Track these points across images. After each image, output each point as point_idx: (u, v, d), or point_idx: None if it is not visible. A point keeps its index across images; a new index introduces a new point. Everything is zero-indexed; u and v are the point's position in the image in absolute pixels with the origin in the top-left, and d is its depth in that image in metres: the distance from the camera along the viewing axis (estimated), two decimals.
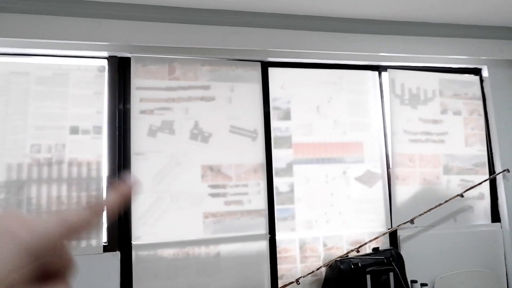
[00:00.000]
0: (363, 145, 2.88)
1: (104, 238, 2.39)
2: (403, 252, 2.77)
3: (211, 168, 2.59)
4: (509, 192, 2.99)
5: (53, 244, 0.35)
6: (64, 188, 2.36)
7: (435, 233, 2.88)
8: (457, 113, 3.07)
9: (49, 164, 2.36)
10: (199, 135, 2.60)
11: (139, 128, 2.51)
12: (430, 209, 2.78)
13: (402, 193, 2.88)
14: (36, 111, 2.40)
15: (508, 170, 2.99)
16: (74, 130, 2.43)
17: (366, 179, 2.86)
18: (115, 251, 2.37)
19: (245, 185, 2.63)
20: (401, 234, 2.82)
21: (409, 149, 2.94)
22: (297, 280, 2.48)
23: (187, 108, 2.60)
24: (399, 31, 2.87)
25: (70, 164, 2.39)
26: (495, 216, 3.03)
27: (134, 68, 2.55)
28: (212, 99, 2.65)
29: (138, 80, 2.54)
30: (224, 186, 2.60)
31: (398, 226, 2.77)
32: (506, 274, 2.95)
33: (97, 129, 2.46)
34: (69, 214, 0.37)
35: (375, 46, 2.85)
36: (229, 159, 2.63)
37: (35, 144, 2.36)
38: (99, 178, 2.41)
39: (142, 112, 2.53)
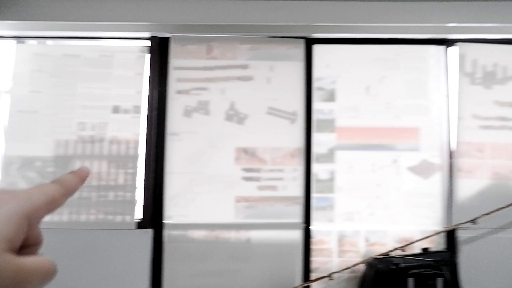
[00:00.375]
0: (419, 131, 2.53)
1: (138, 214, 2.47)
2: (463, 256, 2.40)
3: (245, 150, 2.50)
4: None
5: (39, 216, 0.39)
6: (104, 164, 2.47)
7: (505, 237, 2.43)
8: None
9: (92, 141, 2.49)
10: (234, 116, 2.51)
11: (175, 108, 2.51)
12: (500, 208, 2.35)
13: (466, 188, 2.48)
14: (83, 91, 2.53)
15: None
16: (116, 110, 2.52)
17: (421, 169, 2.51)
18: (147, 228, 2.43)
19: (281, 170, 2.49)
20: (461, 235, 2.44)
21: (478, 137, 2.50)
22: (330, 275, 2.30)
23: (224, 88, 2.53)
24: None
25: (111, 142, 2.49)
26: None
27: (173, 48, 2.54)
28: (250, 79, 2.54)
29: (176, 60, 2.53)
30: (258, 170, 2.49)
31: (457, 225, 2.39)
32: None
33: (137, 109, 2.52)
34: (42, 191, 0.40)
35: (442, 15, 2.44)
36: (265, 142, 2.50)
37: (81, 122, 2.50)
38: (135, 156, 2.47)
39: (179, 92, 2.52)
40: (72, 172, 0.47)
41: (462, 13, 2.44)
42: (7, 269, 0.33)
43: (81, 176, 0.47)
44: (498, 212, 2.35)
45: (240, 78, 2.54)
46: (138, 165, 2.47)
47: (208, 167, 2.48)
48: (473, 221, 2.32)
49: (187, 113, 2.51)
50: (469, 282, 2.34)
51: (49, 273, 0.37)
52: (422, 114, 2.53)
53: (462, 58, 2.53)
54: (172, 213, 2.47)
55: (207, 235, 2.46)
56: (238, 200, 2.48)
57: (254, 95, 2.53)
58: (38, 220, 0.39)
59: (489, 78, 2.53)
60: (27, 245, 0.38)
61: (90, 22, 2.44)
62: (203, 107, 2.51)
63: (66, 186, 0.44)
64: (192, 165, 2.49)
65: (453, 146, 2.51)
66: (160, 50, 2.56)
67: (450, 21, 2.44)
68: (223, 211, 2.47)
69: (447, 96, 2.55)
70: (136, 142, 2.49)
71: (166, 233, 2.46)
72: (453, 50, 2.56)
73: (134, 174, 2.46)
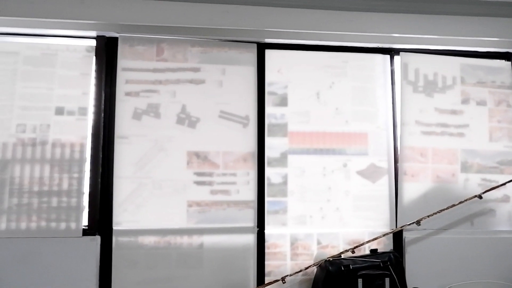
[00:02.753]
0: (367, 136, 2.62)
1: (84, 221, 2.34)
2: (408, 256, 2.50)
3: (197, 154, 2.46)
4: None
5: None
6: (47, 168, 2.33)
7: (447, 237, 2.57)
8: (481, 103, 2.71)
9: (33, 144, 2.34)
10: (186, 119, 2.47)
11: (124, 110, 2.42)
12: (442, 210, 2.48)
13: (411, 191, 2.59)
14: (23, 91, 2.38)
15: None
16: (60, 111, 2.39)
17: (369, 173, 2.60)
18: (95, 235, 2.32)
19: (234, 174, 2.48)
20: (407, 236, 2.54)
21: (421, 142, 2.63)
22: (283, 279, 2.30)
23: (175, 91, 2.48)
24: (415, 8, 2.56)
25: (53, 145, 2.35)
26: None
27: (121, 48, 2.45)
28: (201, 82, 2.51)
29: (125, 61, 2.45)
30: (210, 174, 2.46)
31: (402, 227, 2.49)
32: None
33: (83, 111, 2.40)
34: None
35: (387, 26, 2.56)
36: (217, 146, 2.48)
37: (21, 124, 2.35)
38: (82, 160, 2.35)
39: (128, 94, 2.44)
40: None
41: (406, 25, 2.57)
42: None
43: None
44: (442, 214, 2.47)
45: (192, 81, 2.50)
46: (84, 170, 2.35)
47: (158, 171, 2.41)
48: (417, 222, 2.42)
49: (137, 115, 2.43)
50: (414, 279, 2.44)
51: None
52: (369, 120, 2.63)
53: (405, 67, 2.66)
54: (121, 219, 2.37)
55: (158, 241, 2.38)
56: (190, 204, 2.43)
57: (206, 98, 2.50)
58: None
59: (430, 87, 2.67)
60: None
61: (31, 18, 2.30)
62: (153, 110, 2.45)
63: None
64: (142, 169, 2.41)
65: (398, 151, 2.62)
66: (107, 50, 2.47)
67: (395, 31, 2.56)
68: (174, 216, 2.41)
69: (392, 103, 2.66)
70: (82, 146, 2.37)
71: (115, 240, 2.35)
72: (398, 59, 2.68)
73: (79, 179, 2.34)
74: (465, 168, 2.65)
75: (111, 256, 2.34)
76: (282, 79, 2.59)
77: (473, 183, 2.65)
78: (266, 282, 2.40)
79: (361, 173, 2.59)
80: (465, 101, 2.69)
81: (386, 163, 2.61)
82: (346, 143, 2.59)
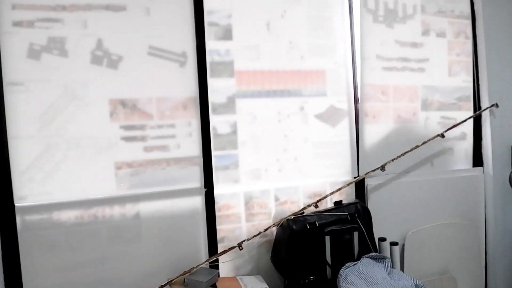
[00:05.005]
0: (325, 73, 2.28)
1: None
2: (371, 205, 2.29)
3: (123, 103, 1.93)
4: (496, 131, 2.52)
5: None
6: None
7: (408, 180, 2.40)
8: (441, 35, 2.49)
9: None
10: (104, 58, 1.90)
11: (14, 47, 1.78)
12: (406, 152, 2.28)
13: (372, 134, 2.35)
14: None
15: (497, 105, 2.50)
16: None
17: (328, 116, 2.29)
18: None
19: (172, 126, 2.01)
20: (369, 183, 2.32)
21: (382, 79, 2.36)
22: (239, 245, 1.95)
23: (85, 20, 1.87)
24: None
25: None
26: (478, 160, 2.58)
27: None
28: (122, 9, 1.93)
29: None
30: (142, 127, 1.96)
31: (366, 174, 2.26)
32: (485, 224, 2.56)
33: None
34: None
35: None
36: (149, 91, 1.97)
37: None
38: None
39: (17, 24, 1.78)
40: None
41: None
42: None
43: None
44: (404, 156, 2.27)
45: (108, 8, 1.91)
46: None
47: (72, 127, 1.85)
48: (382, 167, 2.20)
49: (34, 54, 1.80)
50: (379, 229, 2.25)
51: None
52: (327, 55, 2.28)
53: None
54: (26, 192, 1.81)
55: (80, 215, 1.87)
56: (119, 166, 1.93)
57: (129, 30, 1.94)
58: None
59: (391, 16, 2.37)
60: None
61: None
62: (57, 46, 1.83)
63: None
64: (49, 125, 1.83)
65: (359, 89, 2.32)
66: None
67: None
68: (100, 182, 1.90)
69: (351, 35, 2.33)
70: None
71: (20, 220, 1.80)
72: None
73: None
74: (425, 106, 2.46)
75: (17, 241, 1.79)
76: (225, 7, 2.10)
77: (433, 121, 2.48)
78: (219, 250, 2.04)
79: (319, 116, 2.27)
80: (425, 32, 2.45)
81: (346, 104, 2.32)
82: (302, 83, 2.23)
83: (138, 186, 1.96)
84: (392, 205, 2.36)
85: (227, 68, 2.10)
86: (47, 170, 1.83)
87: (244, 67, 2.13)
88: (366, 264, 1.95)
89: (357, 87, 2.33)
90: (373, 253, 2.03)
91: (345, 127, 2.31)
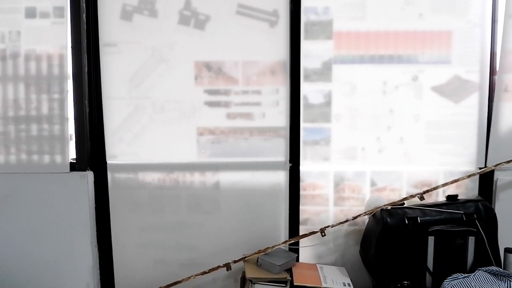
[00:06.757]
0: (451, 35, 1.81)
1: (72, 153, 1.87)
2: (499, 205, 1.80)
3: (208, 66, 1.83)
4: None
5: None
6: (21, 88, 1.84)
7: None
8: None
9: (3, 58, 1.84)
10: (191, 18, 1.81)
11: (109, 7, 1.81)
12: None
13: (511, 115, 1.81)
14: None
15: None
16: (31, 13, 1.83)
17: (451, 90, 1.83)
18: (85, 170, 1.85)
19: (257, 92, 1.84)
20: (499, 177, 1.81)
21: None
22: (322, 230, 1.72)
23: None
24: None
25: (27, 57, 1.83)
26: None
27: None
28: None
29: None
30: (226, 93, 1.84)
31: (496, 165, 1.76)
32: None
33: (58, 11, 1.82)
34: None
35: None
36: (235, 54, 1.82)
37: None
38: (62, 77, 1.82)
39: None
40: None
41: None
42: None
43: None
44: None
45: None
46: (66, 89, 1.83)
47: (159, 90, 1.84)
48: None
49: (126, 15, 1.81)
50: (506, 238, 1.75)
51: None
52: (456, 12, 1.80)
53: None
54: (117, 151, 1.88)
55: (163, 178, 1.88)
56: (201, 132, 1.86)
57: None
58: None
59: None
60: None
61: None
62: (147, 7, 1.81)
63: None
64: (138, 87, 1.84)
65: (497, 57, 1.79)
66: None
67: None
68: (182, 147, 1.87)
69: None
70: (61, 57, 1.82)
71: (110, 177, 1.89)
72: None
73: (61, 101, 1.83)
74: None
75: (107, 196, 1.89)
76: None
77: None
78: (301, 233, 1.84)
79: (438, 89, 1.83)
80: None
81: (477, 75, 1.82)
82: (419, 47, 1.81)
83: (219, 155, 1.86)
84: None
85: (325, 29, 1.82)
86: (134, 131, 1.86)
87: (345, 28, 1.81)
88: (481, 279, 1.52)
89: (495, 53, 1.80)
90: (494, 267, 1.58)
91: (474, 104, 1.82)
